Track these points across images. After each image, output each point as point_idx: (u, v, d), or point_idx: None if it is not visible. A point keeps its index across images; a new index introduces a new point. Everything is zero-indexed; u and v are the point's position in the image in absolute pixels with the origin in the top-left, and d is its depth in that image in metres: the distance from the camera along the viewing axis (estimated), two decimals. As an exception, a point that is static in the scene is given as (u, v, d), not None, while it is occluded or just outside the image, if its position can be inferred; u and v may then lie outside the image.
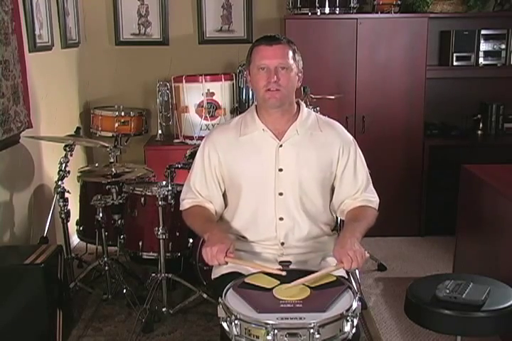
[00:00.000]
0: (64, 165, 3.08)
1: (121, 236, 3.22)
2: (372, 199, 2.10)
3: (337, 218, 2.15)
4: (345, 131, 2.12)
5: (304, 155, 2.01)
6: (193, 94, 4.03)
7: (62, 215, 3.15)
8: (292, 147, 2.02)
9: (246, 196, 2.05)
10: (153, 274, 3.03)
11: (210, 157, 2.07)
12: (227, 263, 1.83)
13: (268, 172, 2.02)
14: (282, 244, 2.05)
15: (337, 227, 2.31)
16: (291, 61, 1.98)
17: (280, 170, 2.02)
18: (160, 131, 4.29)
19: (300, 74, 2.04)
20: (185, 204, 2.13)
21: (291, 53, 1.99)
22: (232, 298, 1.68)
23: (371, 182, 2.13)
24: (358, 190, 2.08)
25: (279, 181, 2.02)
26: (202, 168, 2.10)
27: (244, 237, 2.10)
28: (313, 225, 2.08)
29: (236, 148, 2.04)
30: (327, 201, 2.10)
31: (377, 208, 2.11)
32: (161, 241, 2.94)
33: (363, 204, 2.08)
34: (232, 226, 2.12)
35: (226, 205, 2.14)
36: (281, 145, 2.02)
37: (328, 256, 2.11)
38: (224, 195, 2.13)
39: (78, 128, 3.63)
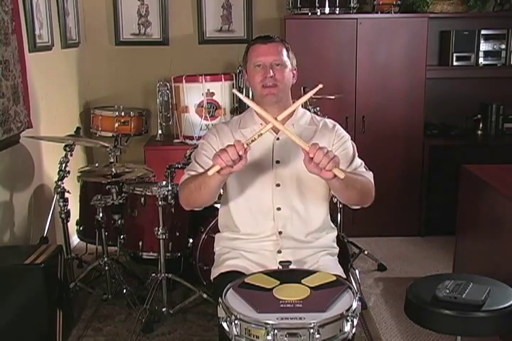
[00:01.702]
0: (64, 165, 3.08)
1: (121, 236, 3.22)
2: (367, 175, 2.06)
3: (338, 215, 2.13)
4: (339, 127, 2.15)
5: (299, 147, 2.02)
6: (193, 94, 4.03)
7: (62, 215, 3.15)
8: (288, 140, 2.03)
9: (243, 187, 2.07)
10: (153, 274, 3.03)
11: (212, 141, 2.09)
12: (246, 149, 1.74)
13: (266, 164, 2.05)
14: (280, 233, 2.06)
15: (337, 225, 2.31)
16: (285, 58, 2.05)
17: (277, 162, 2.06)
18: (160, 131, 4.29)
19: (294, 72, 2.11)
20: (184, 176, 2.08)
21: (285, 51, 2.06)
22: (232, 298, 1.68)
23: (363, 164, 2.11)
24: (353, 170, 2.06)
25: (276, 173, 2.05)
26: (202, 148, 2.10)
27: (241, 232, 2.10)
28: (312, 216, 2.09)
29: (236, 138, 2.06)
30: (326, 191, 2.10)
31: (372, 180, 2.06)
32: (161, 241, 2.95)
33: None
34: (229, 217, 2.12)
35: (224, 197, 2.14)
36: (278, 139, 2.06)
37: (327, 255, 2.12)
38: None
39: (78, 128, 3.63)
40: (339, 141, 2.09)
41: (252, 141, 1.75)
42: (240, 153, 1.74)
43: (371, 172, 2.10)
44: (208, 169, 1.82)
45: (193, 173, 2.05)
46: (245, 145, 1.75)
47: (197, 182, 1.94)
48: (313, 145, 1.72)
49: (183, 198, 2.06)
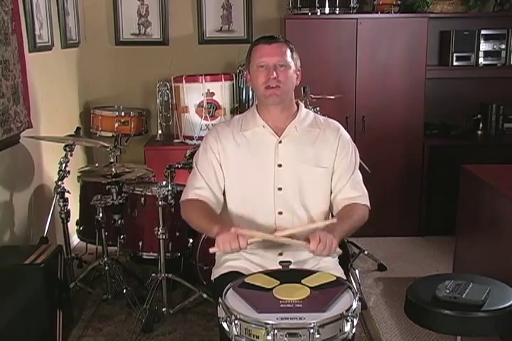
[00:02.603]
0: (64, 165, 3.08)
1: (121, 236, 3.22)
2: (357, 195, 2.08)
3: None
4: (343, 129, 2.14)
5: (302, 151, 2.04)
6: (193, 94, 4.03)
7: (62, 215, 3.15)
8: (291, 143, 2.04)
9: (244, 190, 2.06)
10: (153, 274, 3.03)
11: (213, 145, 2.08)
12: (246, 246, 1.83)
13: (267, 168, 2.04)
14: None
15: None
16: (289, 59, 2.03)
17: (279, 165, 2.04)
18: (160, 131, 4.29)
19: (298, 73, 2.08)
20: (189, 193, 2.09)
21: (289, 51, 2.04)
22: (232, 298, 1.68)
23: (361, 179, 2.12)
24: (345, 184, 2.08)
25: (278, 176, 2.04)
26: (204, 154, 2.09)
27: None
28: (313, 219, 2.08)
29: (237, 141, 2.07)
30: (327, 195, 2.10)
31: (367, 203, 2.09)
32: (161, 241, 2.95)
33: (349, 203, 2.07)
34: (230, 220, 2.12)
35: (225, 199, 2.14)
36: (280, 142, 2.04)
37: (328, 256, 2.12)
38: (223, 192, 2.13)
39: (78, 128, 3.62)
40: (343, 150, 2.07)
41: (257, 241, 1.86)
42: (243, 248, 1.82)
43: (366, 192, 2.10)
44: (213, 218, 1.98)
45: (197, 192, 2.06)
46: (249, 242, 1.82)
47: (198, 223, 2.02)
48: (312, 241, 1.79)
49: (185, 218, 2.09)
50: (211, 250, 1.86)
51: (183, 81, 4.03)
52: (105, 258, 3.16)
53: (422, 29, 3.95)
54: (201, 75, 4.02)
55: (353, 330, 1.60)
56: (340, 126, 2.15)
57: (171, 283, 3.15)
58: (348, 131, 2.17)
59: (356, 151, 2.13)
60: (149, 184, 3.24)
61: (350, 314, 1.59)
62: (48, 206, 3.20)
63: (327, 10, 3.94)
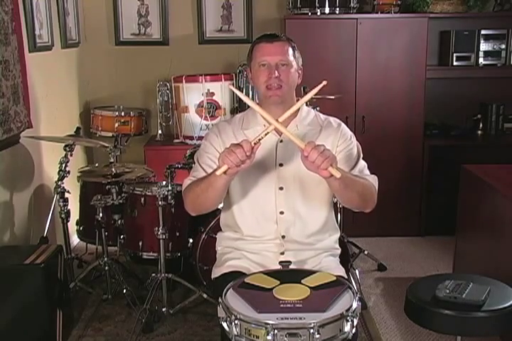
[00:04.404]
0: (64, 165, 3.08)
1: (121, 236, 3.22)
2: (370, 179, 2.05)
3: (338, 215, 2.11)
4: (344, 125, 2.13)
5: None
6: (193, 94, 4.03)
7: (62, 215, 3.15)
8: (292, 141, 2.02)
9: (246, 189, 2.06)
10: (153, 274, 3.03)
11: (214, 141, 2.07)
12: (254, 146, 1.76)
13: (269, 167, 2.03)
14: (283, 237, 2.05)
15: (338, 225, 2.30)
16: (291, 58, 2.02)
17: (281, 164, 2.04)
18: (160, 131, 4.29)
19: (300, 72, 2.08)
20: (187, 181, 2.07)
21: (291, 50, 2.03)
22: (232, 298, 1.68)
23: (366, 166, 2.10)
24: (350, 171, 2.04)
25: (279, 176, 2.04)
26: (204, 150, 2.08)
27: (244, 233, 2.10)
28: (315, 219, 2.08)
29: (238, 139, 2.03)
30: (329, 195, 2.09)
31: (375, 184, 2.05)
32: (161, 241, 2.95)
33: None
34: (232, 219, 2.12)
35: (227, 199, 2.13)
36: (281, 141, 2.03)
37: (329, 256, 2.12)
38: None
39: (78, 128, 3.62)
40: (344, 142, 2.06)
41: (259, 139, 1.77)
42: (248, 153, 1.75)
43: (376, 177, 2.07)
44: (214, 170, 1.83)
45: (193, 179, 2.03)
46: (253, 144, 1.75)
47: (203, 185, 1.93)
48: (308, 144, 1.72)
49: (190, 203, 2.04)
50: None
51: (183, 81, 4.03)
52: (105, 258, 3.17)
53: (421, 29, 3.95)
54: (201, 75, 4.02)
55: (353, 330, 1.60)
56: (342, 122, 2.13)
57: (170, 283, 3.15)
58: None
59: (359, 146, 2.11)
60: (149, 184, 3.24)
61: (350, 314, 1.59)
62: (48, 206, 3.20)
63: (327, 10, 3.94)
